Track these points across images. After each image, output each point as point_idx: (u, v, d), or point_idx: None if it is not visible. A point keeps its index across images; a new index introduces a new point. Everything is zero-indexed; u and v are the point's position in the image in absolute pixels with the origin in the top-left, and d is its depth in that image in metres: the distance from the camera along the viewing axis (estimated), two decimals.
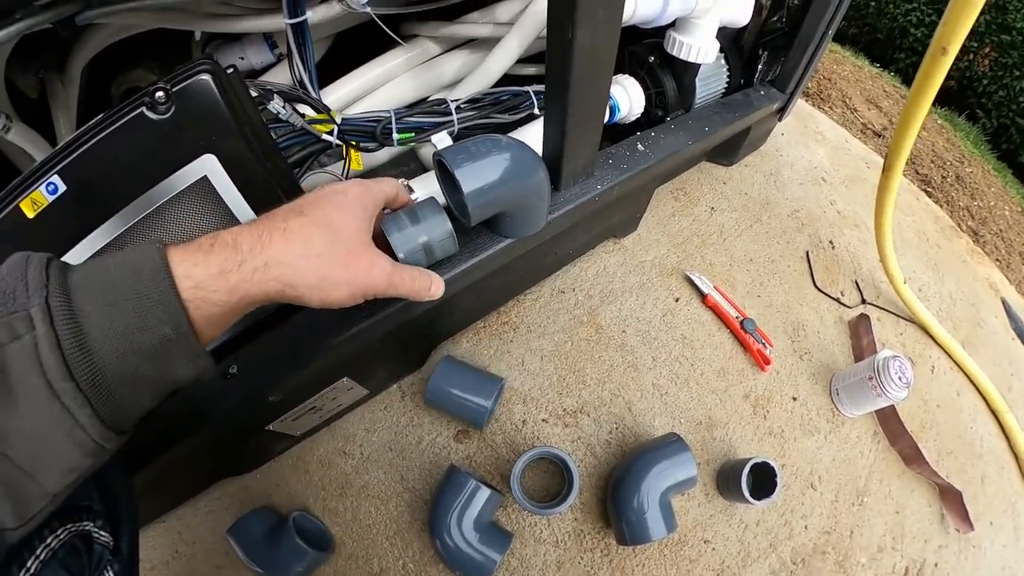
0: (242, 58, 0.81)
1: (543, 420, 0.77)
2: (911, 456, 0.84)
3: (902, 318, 1.02)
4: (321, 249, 0.36)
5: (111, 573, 0.36)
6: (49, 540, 0.33)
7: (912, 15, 2.61)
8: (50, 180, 0.40)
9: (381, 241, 0.47)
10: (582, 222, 0.73)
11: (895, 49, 2.68)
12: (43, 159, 0.42)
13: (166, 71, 0.82)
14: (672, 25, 0.81)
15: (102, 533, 0.37)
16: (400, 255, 0.51)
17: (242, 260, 0.33)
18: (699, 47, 0.79)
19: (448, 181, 0.51)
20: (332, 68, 0.82)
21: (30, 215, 0.41)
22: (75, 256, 0.45)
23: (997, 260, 1.38)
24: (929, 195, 1.49)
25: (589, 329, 0.86)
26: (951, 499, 0.82)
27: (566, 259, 0.89)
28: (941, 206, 1.46)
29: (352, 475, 0.73)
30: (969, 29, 0.61)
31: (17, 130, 0.60)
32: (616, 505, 0.66)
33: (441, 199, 0.57)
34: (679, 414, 0.80)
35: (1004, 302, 1.19)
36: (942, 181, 1.69)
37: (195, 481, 0.71)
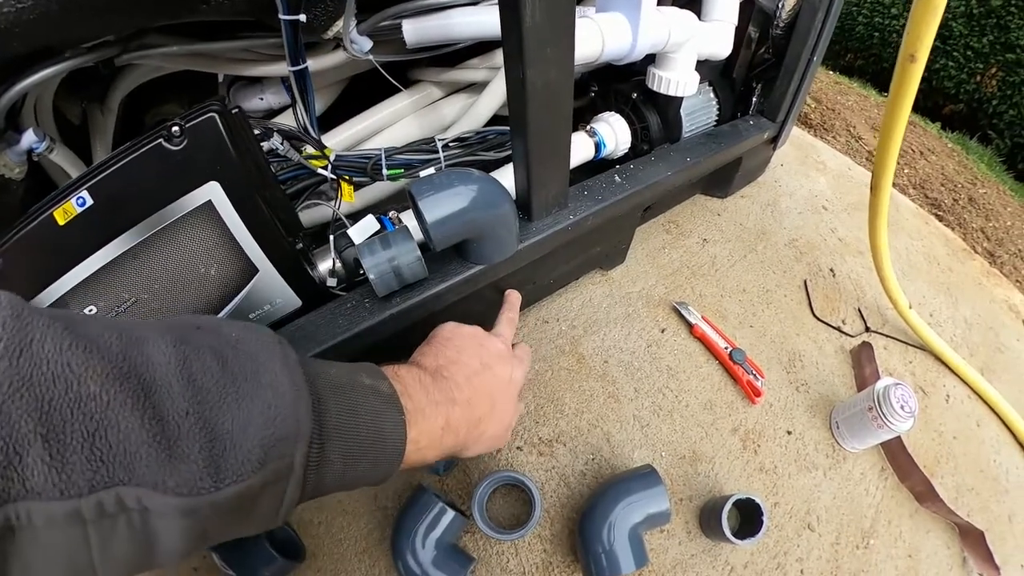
0: (261, 98, 0.81)
1: (517, 448, 0.68)
2: (924, 493, 0.70)
3: (911, 346, 0.87)
4: (497, 431, 0.43)
5: None
6: None
7: None
8: (80, 194, 0.43)
9: None
10: (559, 251, 0.67)
11: None
12: (76, 176, 0.45)
13: (194, 106, 0.85)
14: (652, 61, 0.74)
15: None
16: (372, 276, 0.53)
17: (458, 445, 0.39)
18: (678, 80, 0.72)
19: (417, 210, 0.51)
20: (346, 109, 0.81)
21: (61, 222, 0.43)
22: (92, 263, 0.46)
23: (1017, 281, 1.19)
24: (940, 219, 1.32)
25: (571, 359, 0.77)
26: (972, 540, 0.67)
27: (549, 289, 0.82)
28: (953, 229, 1.29)
29: None
30: (934, 35, 0.55)
31: (59, 151, 0.63)
32: (583, 537, 0.57)
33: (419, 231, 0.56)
34: (660, 447, 0.70)
35: None
36: (953, 203, 1.50)
37: None
